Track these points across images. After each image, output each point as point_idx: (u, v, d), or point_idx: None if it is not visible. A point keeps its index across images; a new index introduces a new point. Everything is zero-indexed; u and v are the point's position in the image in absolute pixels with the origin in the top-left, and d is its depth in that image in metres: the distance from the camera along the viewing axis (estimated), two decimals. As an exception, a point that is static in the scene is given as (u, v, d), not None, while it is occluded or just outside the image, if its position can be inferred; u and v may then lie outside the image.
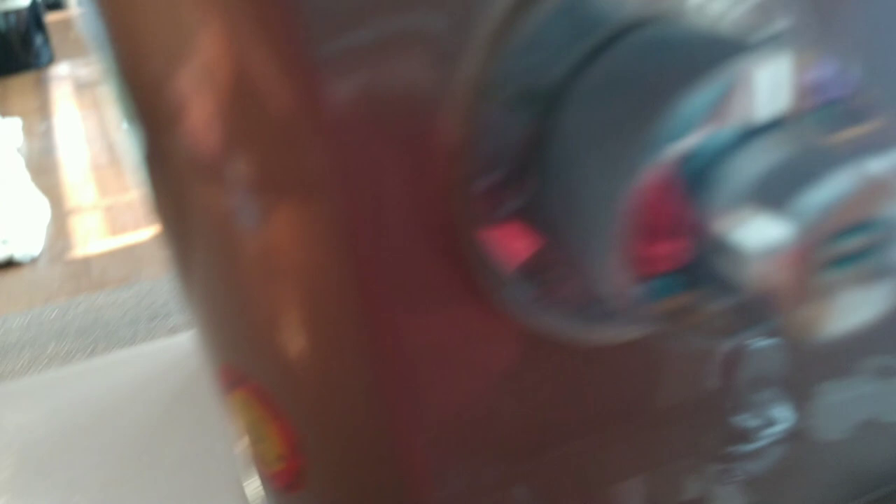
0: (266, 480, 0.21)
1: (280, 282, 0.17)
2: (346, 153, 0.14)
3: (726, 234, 0.13)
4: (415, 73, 0.14)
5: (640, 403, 0.21)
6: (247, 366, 0.19)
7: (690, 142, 0.12)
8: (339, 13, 0.13)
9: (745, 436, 0.24)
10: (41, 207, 0.55)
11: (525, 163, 0.15)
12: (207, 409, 0.30)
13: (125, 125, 0.18)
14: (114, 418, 0.32)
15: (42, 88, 2.00)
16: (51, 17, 2.36)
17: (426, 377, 0.17)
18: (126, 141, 0.18)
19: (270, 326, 0.17)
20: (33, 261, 0.52)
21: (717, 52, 0.13)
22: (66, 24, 2.31)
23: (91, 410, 0.33)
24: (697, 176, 0.13)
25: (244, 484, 0.25)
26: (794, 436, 0.25)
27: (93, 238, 0.95)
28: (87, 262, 0.65)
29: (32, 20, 2.25)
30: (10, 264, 0.51)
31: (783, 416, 0.24)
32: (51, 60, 2.24)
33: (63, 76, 2.11)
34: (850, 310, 0.13)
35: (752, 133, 0.13)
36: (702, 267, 0.13)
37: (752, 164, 0.13)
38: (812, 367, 0.24)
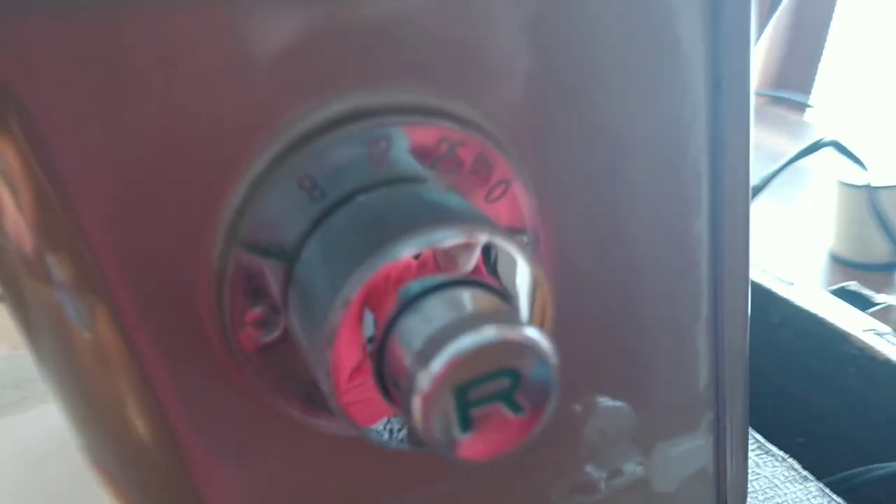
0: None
1: (99, 370, 0.20)
2: (132, 295, 0.18)
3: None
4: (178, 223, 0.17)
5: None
6: (91, 447, 0.22)
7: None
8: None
9: (592, 487, 0.27)
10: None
11: (283, 298, 0.18)
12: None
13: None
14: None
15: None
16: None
17: (221, 473, 0.20)
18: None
19: (97, 412, 0.21)
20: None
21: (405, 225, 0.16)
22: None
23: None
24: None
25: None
26: (633, 486, 0.28)
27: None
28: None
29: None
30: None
31: (628, 468, 0.27)
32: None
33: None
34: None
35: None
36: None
37: (420, 325, 0.16)
38: (657, 425, 0.27)
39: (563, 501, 0.27)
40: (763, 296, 0.38)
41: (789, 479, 0.31)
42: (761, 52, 0.71)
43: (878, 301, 0.46)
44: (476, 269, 0.17)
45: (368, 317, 0.16)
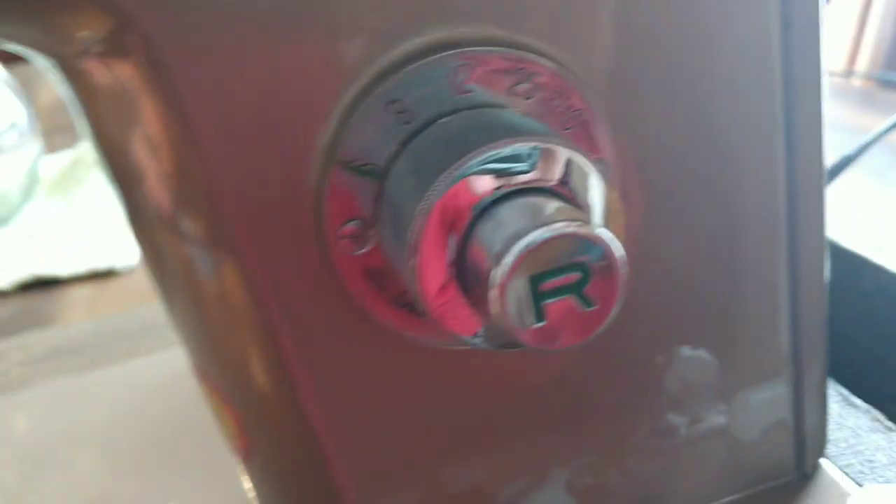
0: (234, 452, 0.27)
1: (220, 310, 0.22)
2: (242, 208, 0.20)
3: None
4: (284, 146, 0.20)
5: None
6: (206, 367, 0.24)
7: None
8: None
9: (673, 431, 0.28)
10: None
11: (375, 214, 0.20)
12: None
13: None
14: (126, 424, 0.37)
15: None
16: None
17: (326, 385, 0.22)
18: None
19: (216, 343, 0.23)
20: (130, 271, 0.60)
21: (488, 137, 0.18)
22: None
23: (104, 417, 0.38)
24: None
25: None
26: (714, 433, 0.28)
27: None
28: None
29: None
30: (110, 273, 0.60)
31: (708, 416, 0.28)
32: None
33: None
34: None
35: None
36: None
37: (498, 227, 0.17)
38: (738, 375, 0.28)
39: (643, 444, 0.28)
40: (855, 263, 0.38)
41: (873, 429, 0.31)
42: (872, 31, 0.69)
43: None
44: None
45: (451, 243, 0.18)
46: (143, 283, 0.58)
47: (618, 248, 0.17)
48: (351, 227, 0.20)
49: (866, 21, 0.72)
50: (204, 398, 0.26)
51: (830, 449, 0.30)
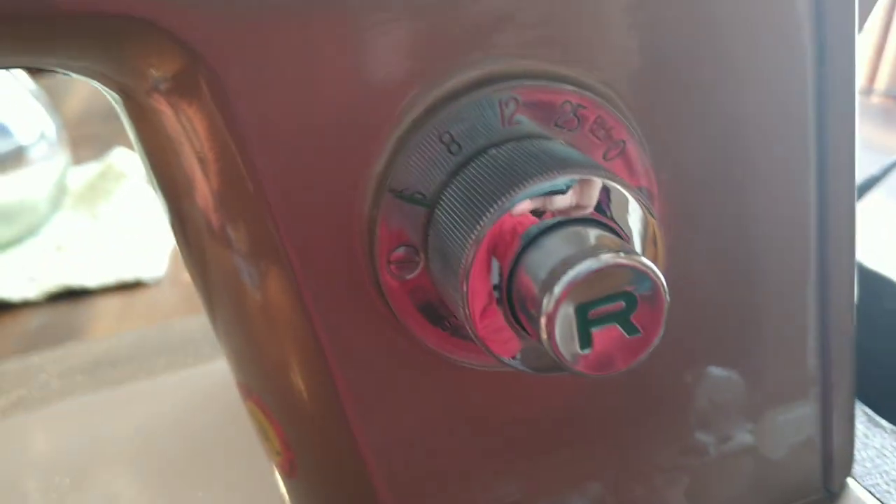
0: (277, 469, 0.27)
1: (267, 326, 0.23)
2: (294, 231, 0.21)
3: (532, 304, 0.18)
4: (340, 175, 0.20)
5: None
6: (251, 383, 0.25)
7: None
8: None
9: (702, 450, 0.29)
10: (166, 235, 0.64)
11: (423, 241, 0.21)
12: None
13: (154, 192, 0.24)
14: (163, 439, 0.37)
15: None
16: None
17: (370, 401, 0.23)
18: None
19: (263, 359, 0.24)
20: (157, 282, 0.61)
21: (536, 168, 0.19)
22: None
23: (141, 431, 0.38)
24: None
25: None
26: (742, 452, 0.29)
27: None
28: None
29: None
30: (137, 284, 0.61)
31: (737, 435, 0.29)
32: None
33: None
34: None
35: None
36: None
37: (546, 256, 0.18)
38: (766, 394, 0.28)
39: (672, 462, 0.28)
40: (877, 282, 0.39)
41: (898, 449, 0.32)
42: (891, 49, 0.70)
43: None
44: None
45: (494, 268, 0.19)
46: (171, 295, 0.59)
47: (661, 278, 0.18)
48: (400, 252, 0.21)
49: (886, 39, 0.73)
50: (244, 414, 0.27)
51: (856, 468, 0.31)
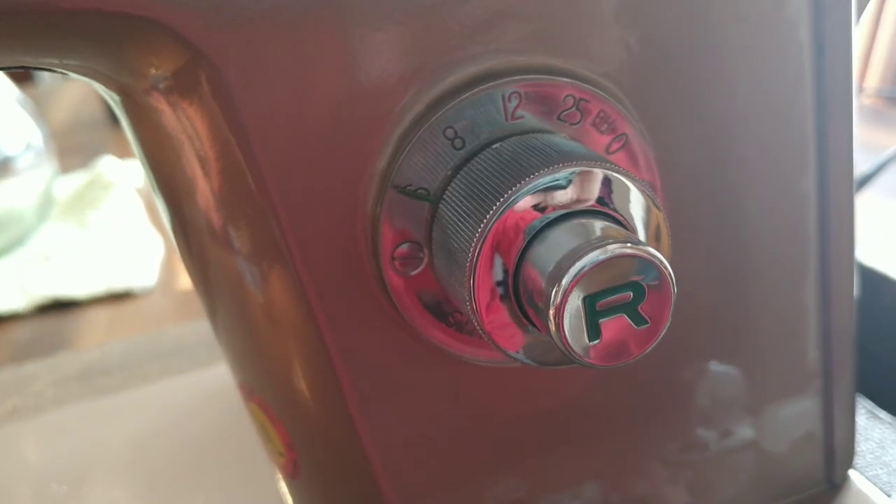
0: (279, 470, 0.27)
1: (270, 325, 0.23)
2: (297, 228, 0.21)
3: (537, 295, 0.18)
4: (343, 172, 0.20)
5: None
6: (253, 384, 0.25)
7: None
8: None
9: (703, 446, 0.29)
10: (156, 244, 0.64)
11: (427, 236, 0.21)
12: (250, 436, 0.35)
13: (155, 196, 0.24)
14: (159, 445, 0.37)
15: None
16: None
17: (374, 399, 0.23)
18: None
19: (266, 360, 0.24)
20: (148, 292, 0.60)
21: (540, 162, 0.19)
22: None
23: (137, 438, 0.38)
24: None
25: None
26: (744, 446, 0.29)
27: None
28: (193, 293, 0.73)
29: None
30: (128, 294, 0.60)
31: (738, 430, 0.29)
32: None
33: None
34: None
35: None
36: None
37: (552, 249, 0.18)
38: (767, 389, 0.28)
39: (674, 459, 0.28)
40: (875, 279, 0.39)
41: (898, 441, 0.32)
42: (881, 49, 0.70)
43: None
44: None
45: (498, 262, 0.19)
46: (162, 305, 0.58)
47: (668, 267, 0.18)
48: (404, 248, 0.21)
49: (875, 38, 0.73)
50: (241, 419, 0.27)
51: (857, 461, 0.31)
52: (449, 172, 0.20)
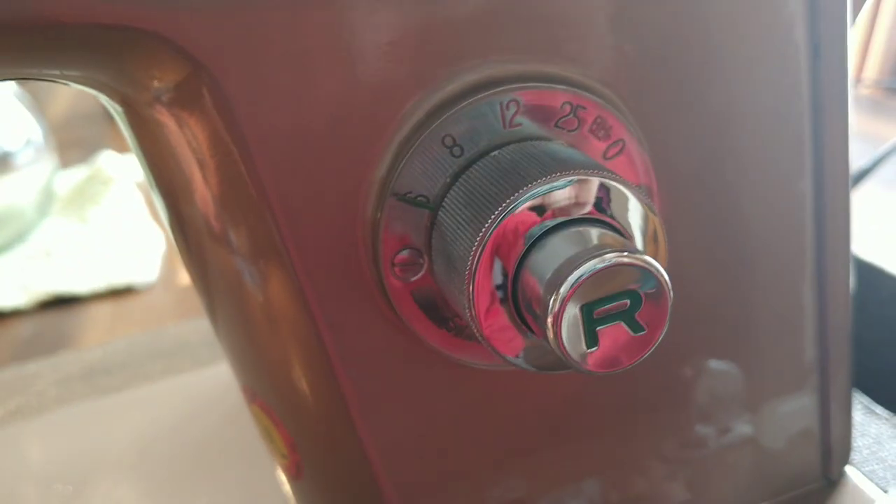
0: (282, 471, 0.27)
1: (270, 330, 0.23)
2: (298, 235, 0.21)
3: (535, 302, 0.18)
4: (343, 179, 0.20)
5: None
6: (255, 387, 0.25)
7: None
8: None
9: (702, 442, 0.29)
10: (157, 239, 0.64)
11: (426, 243, 0.21)
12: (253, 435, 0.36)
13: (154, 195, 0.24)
14: (162, 444, 0.37)
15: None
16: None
17: (375, 403, 0.23)
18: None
19: (268, 363, 0.24)
20: (149, 287, 0.61)
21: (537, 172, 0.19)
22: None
23: (140, 437, 0.38)
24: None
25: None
26: (742, 443, 0.29)
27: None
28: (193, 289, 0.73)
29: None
30: (129, 290, 0.60)
31: (736, 426, 0.29)
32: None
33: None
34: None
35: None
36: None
37: (550, 257, 0.18)
38: (765, 386, 0.29)
39: (673, 456, 0.29)
40: (872, 274, 0.39)
41: (893, 436, 0.32)
42: (880, 40, 0.70)
43: None
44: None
45: (497, 268, 0.19)
46: (164, 300, 0.58)
47: (665, 275, 0.18)
48: (404, 255, 0.21)
49: (874, 29, 0.73)
50: (244, 418, 0.27)
51: (854, 456, 0.31)
52: (448, 180, 0.20)
